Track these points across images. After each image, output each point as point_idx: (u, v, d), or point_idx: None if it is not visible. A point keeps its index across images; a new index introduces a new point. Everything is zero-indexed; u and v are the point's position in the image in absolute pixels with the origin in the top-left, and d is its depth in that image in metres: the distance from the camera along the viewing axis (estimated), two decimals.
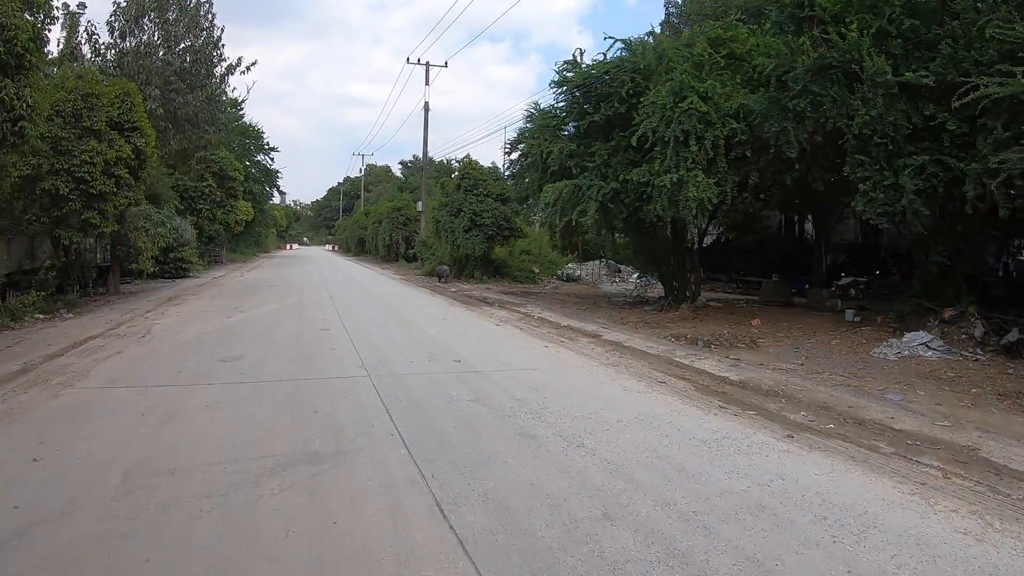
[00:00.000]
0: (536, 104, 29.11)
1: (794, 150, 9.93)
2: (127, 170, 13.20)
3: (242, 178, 35.21)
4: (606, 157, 12.70)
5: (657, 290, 17.25)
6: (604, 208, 12.45)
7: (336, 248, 77.06)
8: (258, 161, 45.72)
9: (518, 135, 15.88)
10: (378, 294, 18.59)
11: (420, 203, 32.36)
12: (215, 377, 7.10)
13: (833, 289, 17.41)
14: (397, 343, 9.88)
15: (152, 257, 17.55)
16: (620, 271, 28.47)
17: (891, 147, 8.74)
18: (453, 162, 65.88)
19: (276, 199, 78.60)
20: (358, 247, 56.03)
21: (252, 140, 44.14)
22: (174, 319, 12.14)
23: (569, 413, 5.79)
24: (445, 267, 25.40)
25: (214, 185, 32.10)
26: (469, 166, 24.12)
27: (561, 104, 15.11)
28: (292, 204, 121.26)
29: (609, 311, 14.75)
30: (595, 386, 7.12)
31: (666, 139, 11.20)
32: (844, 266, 20.94)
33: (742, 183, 12.57)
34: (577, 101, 14.18)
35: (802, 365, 8.11)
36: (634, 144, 11.74)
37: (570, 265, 27.66)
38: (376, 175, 78.42)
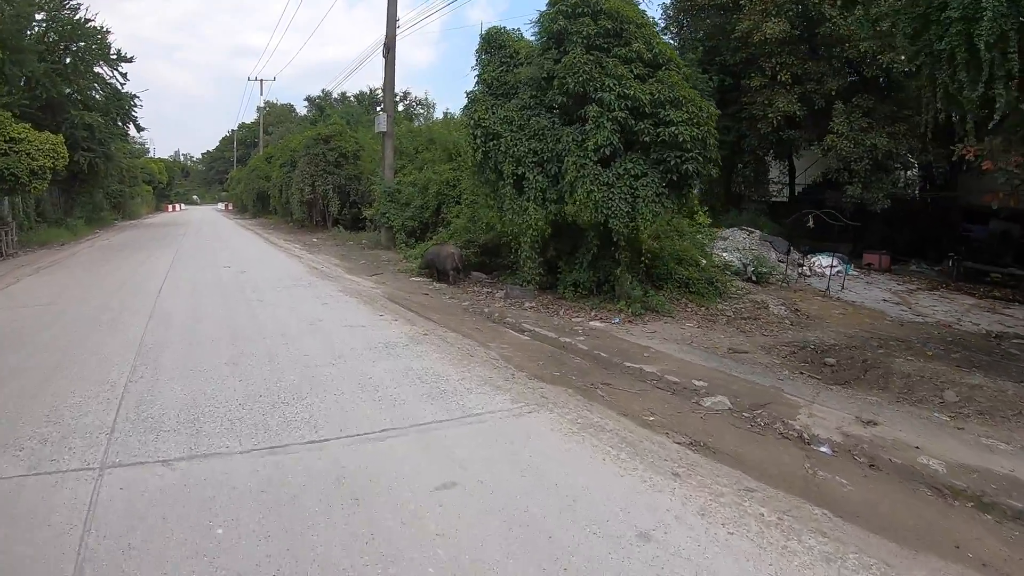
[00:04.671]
0: None
1: None
2: None
3: None
4: None
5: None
6: None
7: (230, 207, 56.03)
8: (99, 75, 25.00)
9: None
10: None
11: (381, 120, 15.12)
12: None
13: None
14: None
15: None
16: (805, 256, 13.59)
17: None
18: (345, 94, 46.44)
19: (141, 141, 55.76)
20: (257, 205, 36.78)
21: (91, 44, 23.36)
22: None
23: None
24: (452, 251, 9.22)
25: None
26: None
27: None
28: (182, 159, 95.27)
29: None
30: None
31: None
32: None
33: None
34: None
35: None
36: None
37: (723, 241, 12.33)
38: (277, 115, 57.24)
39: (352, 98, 49.01)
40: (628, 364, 5.48)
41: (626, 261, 7.30)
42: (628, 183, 6.96)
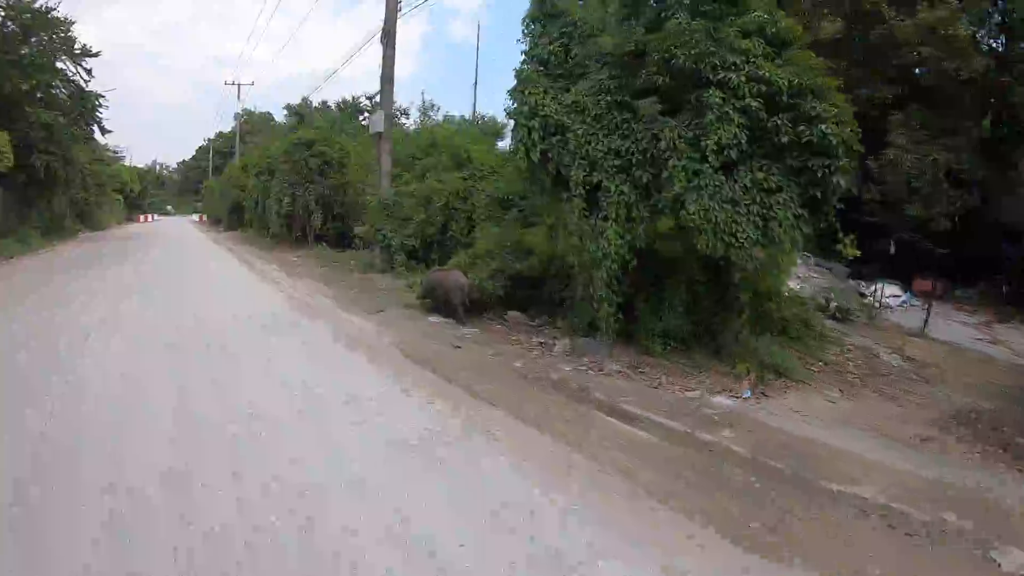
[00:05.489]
0: None
1: None
2: None
3: None
4: None
5: None
6: None
7: (204, 219, 52.56)
8: (61, 71, 21.92)
9: None
10: None
11: (377, 119, 12.81)
12: None
13: None
14: None
15: None
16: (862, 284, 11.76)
17: None
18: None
19: (116, 148, 52.19)
20: (232, 217, 33.76)
21: (52, 36, 20.36)
22: None
23: None
24: (462, 280, 6.96)
25: None
26: None
27: None
28: (159, 168, 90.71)
29: None
30: None
31: None
32: None
33: None
34: None
35: None
36: None
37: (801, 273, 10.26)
38: (255, 123, 54.06)
39: (333, 106, 46.30)
40: (827, 485, 3.33)
41: (748, 306, 5.16)
42: (759, 199, 4.86)
